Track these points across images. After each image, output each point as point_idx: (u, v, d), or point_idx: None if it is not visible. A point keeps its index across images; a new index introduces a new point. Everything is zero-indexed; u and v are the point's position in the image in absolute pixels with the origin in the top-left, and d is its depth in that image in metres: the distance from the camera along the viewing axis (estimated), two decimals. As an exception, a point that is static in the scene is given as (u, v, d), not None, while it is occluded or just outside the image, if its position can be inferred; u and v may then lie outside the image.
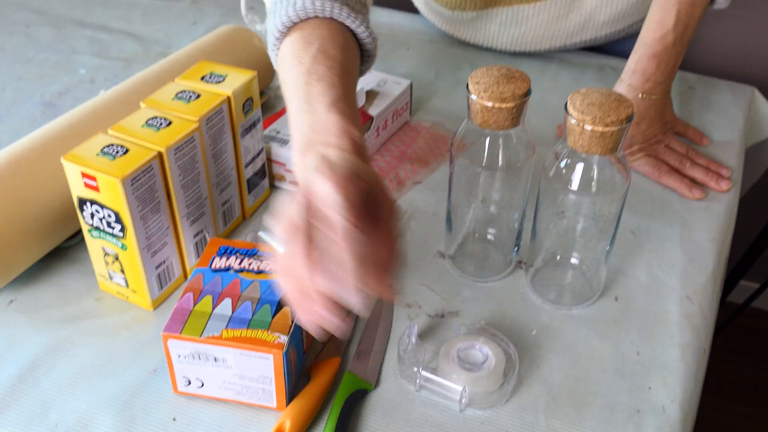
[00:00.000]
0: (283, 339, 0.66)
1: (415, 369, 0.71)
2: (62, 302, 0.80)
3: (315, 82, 0.69)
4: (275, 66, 0.81)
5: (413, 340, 0.72)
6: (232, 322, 0.67)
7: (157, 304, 0.80)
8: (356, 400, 0.71)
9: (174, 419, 0.70)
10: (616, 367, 0.75)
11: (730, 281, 1.59)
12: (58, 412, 0.70)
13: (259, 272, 0.72)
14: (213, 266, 0.72)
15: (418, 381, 0.71)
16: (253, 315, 0.68)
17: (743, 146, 1.08)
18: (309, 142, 0.64)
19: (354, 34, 0.79)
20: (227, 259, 0.73)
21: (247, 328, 0.67)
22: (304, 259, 0.55)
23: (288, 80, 0.73)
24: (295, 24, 0.76)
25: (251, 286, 0.71)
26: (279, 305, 0.69)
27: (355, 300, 0.55)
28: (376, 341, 0.76)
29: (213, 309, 0.68)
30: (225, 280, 0.71)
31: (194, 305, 0.69)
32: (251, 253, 0.74)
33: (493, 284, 0.84)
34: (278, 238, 0.58)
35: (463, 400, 0.70)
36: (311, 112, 0.67)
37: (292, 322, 0.67)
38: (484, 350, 0.72)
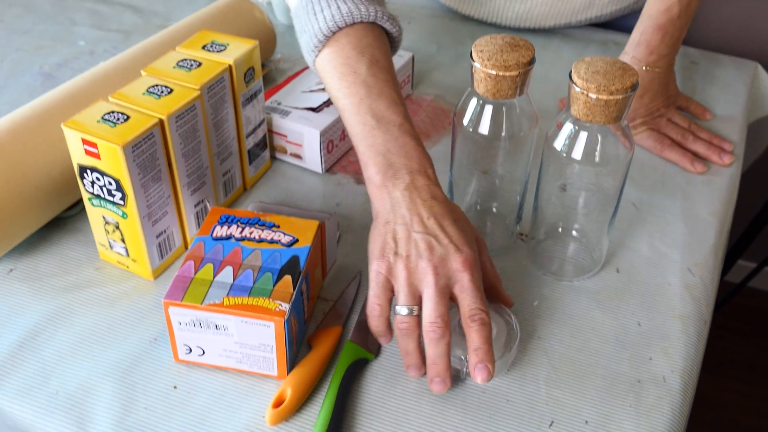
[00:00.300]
0: (285, 307, 0.65)
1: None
2: (62, 271, 0.80)
3: (377, 97, 0.74)
4: (312, 67, 0.83)
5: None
6: (234, 289, 0.67)
7: (157, 273, 0.80)
8: (357, 370, 0.71)
9: (175, 387, 0.69)
10: (617, 337, 0.75)
11: (728, 260, 1.58)
12: (59, 379, 0.70)
13: (261, 241, 0.72)
14: (214, 235, 0.72)
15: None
16: (254, 283, 0.68)
17: (746, 121, 1.08)
18: (390, 164, 0.70)
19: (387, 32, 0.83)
20: (228, 227, 0.73)
21: (249, 295, 0.66)
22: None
23: (343, 88, 0.76)
24: (340, 29, 0.78)
25: (252, 254, 0.70)
26: (280, 273, 0.68)
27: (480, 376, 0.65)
28: None
29: (214, 277, 0.68)
30: (226, 248, 0.71)
31: (195, 273, 0.68)
32: (252, 222, 0.73)
33: (494, 256, 0.83)
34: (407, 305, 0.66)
35: (464, 369, 0.70)
36: (384, 131, 0.71)
37: (294, 290, 0.67)
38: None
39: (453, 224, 0.68)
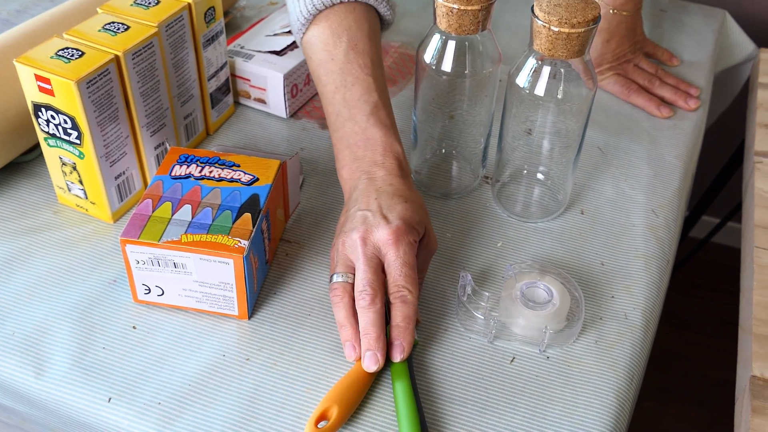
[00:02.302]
0: (244, 243, 0.65)
1: (482, 317, 0.68)
2: (19, 215, 0.79)
3: (350, 85, 0.74)
4: (299, 44, 0.82)
5: (469, 290, 0.69)
6: (192, 227, 0.66)
7: (117, 216, 0.78)
8: (410, 360, 0.66)
9: (134, 327, 0.69)
10: (579, 277, 0.75)
11: (692, 216, 1.59)
12: (15, 320, 0.69)
13: (220, 180, 0.70)
14: (173, 174, 0.71)
15: (492, 331, 0.68)
16: (213, 221, 0.67)
17: (713, 67, 1.08)
18: (355, 157, 0.72)
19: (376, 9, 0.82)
20: (188, 167, 0.72)
21: (207, 233, 0.65)
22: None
23: (321, 76, 0.77)
24: (320, 11, 0.77)
25: (212, 193, 0.69)
26: (240, 211, 0.67)
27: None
28: None
29: (172, 215, 0.67)
30: (185, 187, 0.70)
31: (153, 211, 0.67)
32: (212, 161, 0.72)
33: (459, 199, 0.83)
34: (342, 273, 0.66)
35: (545, 341, 0.68)
36: (353, 123, 0.73)
37: (254, 227, 0.66)
38: (547, 287, 0.69)
39: (398, 204, 0.67)
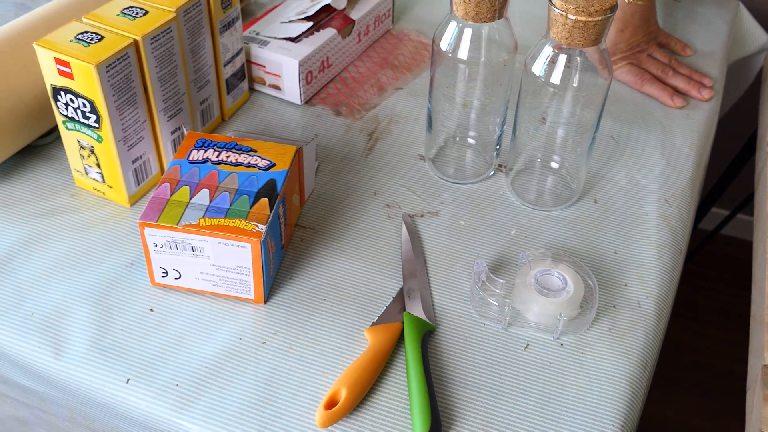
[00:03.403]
0: (261, 228, 0.65)
1: (497, 304, 0.69)
2: (37, 198, 0.79)
3: None
4: None
5: (483, 277, 0.69)
6: (210, 211, 0.67)
7: (134, 200, 0.79)
8: (425, 344, 0.66)
9: (151, 310, 0.69)
10: (592, 265, 0.75)
11: (701, 209, 1.59)
12: (34, 301, 0.69)
13: (238, 165, 0.71)
14: (190, 158, 0.71)
15: (507, 318, 0.69)
16: (231, 205, 0.67)
17: (726, 58, 1.08)
18: None
19: None
20: (205, 151, 0.72)
21: (225, 217, 0.66)
22: None
23: None
24: None
25: (229, 177, 0.70)
26: (257, 196, 0.68)
27: None
28: (419, 279, 0.73)
29: (190, 199, 0.68)
30: (202, 171, 0.70)
31: (171, 195, 0.68)
32: (229, 146, 0.73)
33: (472, 186, 0.83)
34: None
35: (559, 327, 0.68)
36: None
37: (271, 212, 0.67)
38: (561, 275, 0.69)
39: None
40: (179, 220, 0.66)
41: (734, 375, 1.67)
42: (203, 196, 0.68)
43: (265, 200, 0.68)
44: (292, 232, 0.77)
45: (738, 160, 1.48)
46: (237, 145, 0.73)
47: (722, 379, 1.67)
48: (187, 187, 0.69)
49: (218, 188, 0.69)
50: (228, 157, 0.72)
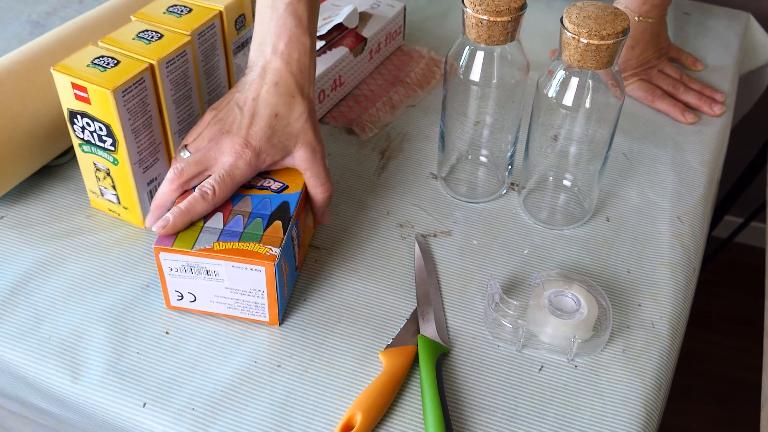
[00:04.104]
0: (275, 251, 0.66)
1: (510, 326, 0.69)
2: (53, 219, 0.80)
3: None
4: None
5: (497, 298, 0.70)
6: (224, 235, 0.67)
7: (148, 221, 0.80)
8: (440, 367, 0.67)
9: (167, 333, 0.70)
10: (606, 284, 0.75)
11: (715, 216, 1.59)
12: (51, 324, 0.70)
13: (251, 187, 0.72)
14: (205, 181, 0.72)
15: (521, 339, 0.69)
16: (244, 228, 0.68)
17: (737, 71, 1.08)
18: (263, 42, 0.73)
19: None
20: (219, 174, 0.73)
21: (239, 240, 0.67)
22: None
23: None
24: None
25: (242, 200, 0.70)
26: (270, 219, 0.68)
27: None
28: (433, 300, 0.73)
29: (204, 223, 0.68)
30: (217, 194, 0.71)
31: (186, 219, 0.68)
32: (243, 168, 0.73)
33: (485, 205, 0.84)
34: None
35: (573, 349, 0.68)
36: (273, 9, 0.73)
37: (285, 235, 0.67)
38: (575, 296, 0.69)
39: (259, 119, 0.71)
40: (194, 245, 0.66)
41: (746, 384, 1.67)
42: (217, 220, 0.68)
43: (278, 223, 0.68)
44: (306, 252, 0.77)
45: (752, 167, 1.48)
46: (251, 167, 0.73)
47: (735, 388, 1.67)
48: (202, 211, 0.69)
49: (232, 211, 0.69)
50: (242, 179, 0.72)
